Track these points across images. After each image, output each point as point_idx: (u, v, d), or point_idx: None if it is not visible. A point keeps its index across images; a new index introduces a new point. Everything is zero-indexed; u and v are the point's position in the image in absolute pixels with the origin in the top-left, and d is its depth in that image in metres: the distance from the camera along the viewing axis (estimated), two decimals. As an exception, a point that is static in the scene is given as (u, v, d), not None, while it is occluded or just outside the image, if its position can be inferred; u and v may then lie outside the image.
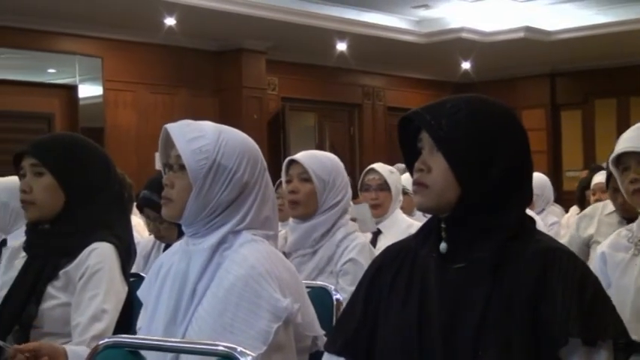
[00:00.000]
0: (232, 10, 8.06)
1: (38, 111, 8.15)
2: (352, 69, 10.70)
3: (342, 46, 9.60)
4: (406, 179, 3.79)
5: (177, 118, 1.97)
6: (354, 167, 10.57)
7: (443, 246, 1.57)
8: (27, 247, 2.35)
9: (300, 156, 2.84)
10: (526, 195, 1.61)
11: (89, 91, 8.63)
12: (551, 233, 4.45)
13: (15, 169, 2.37)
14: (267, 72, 9.67)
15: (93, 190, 2.31)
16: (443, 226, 1.59)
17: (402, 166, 4.70)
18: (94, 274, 2.21)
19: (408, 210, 4.09)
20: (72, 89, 8.47)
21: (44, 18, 7.81)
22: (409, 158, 1.65)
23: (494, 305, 1.49)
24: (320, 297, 2.27)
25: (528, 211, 1.65)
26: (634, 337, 1.57)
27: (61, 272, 2.24)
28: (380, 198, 3.71)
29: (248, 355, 1.56)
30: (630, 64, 11.05)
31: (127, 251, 2.34)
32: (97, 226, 2.29)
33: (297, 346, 1.86)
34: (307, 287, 2.07)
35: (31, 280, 2.26)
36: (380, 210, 3.70)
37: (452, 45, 9.89)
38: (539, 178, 5.27)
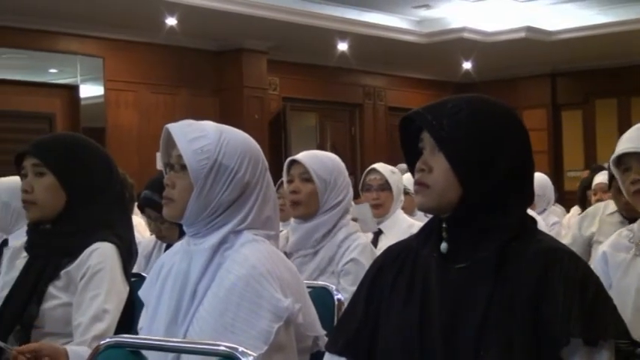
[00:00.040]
0: (233, 10, 8.06)
1: (39, 111, 8.15)
2: (353, 69, 10.70)
3: (343, 46, 9.60)
4: (407, 179, 3.79)
5: (178, 118, 1.97)
6: (355, 167, 10.58)
7: (444, 246, 1.57)
8: (28, 247, 2.35)
9: (302, 156, 2.84)
10: (527, 195, 1.61)
11: (90, 91, 8.63)
12: (552, 233, 4.44)
13: (16, 169, 2.37)
14: (268, 72, 9.67)
15: (94, 190, 2.31)
16: (444, 226, 1.59)
17: (404, 166, 4.69)
18: (95, 274, 2.21)
19: (409, 210, 4.09)
20: (73, 89, 8.48)
21: (45, 18, 7.81)
22: (410, 158, 1.65)
23: (496, 305, 1.49)
24: (321, 297, 2.27)
25: (529, 211, 1.65)
26: (635, 337, 1.57)
27: (63, 272, 2.24)
28: (381, 198, 3.71)
29: (249, 355, 1.56)
30: (631, 64, 11.05)
31: (128, 251, 2.34)
32: (99, 226, 2.29)
33: (298, 346, 1.86)
34: (308, 287, 2.07)
35: (32, 280, 2.25)
36: (381, 210, 3.70)
37: (453, 45, 9.89)
38: (540, 178, 5.25)
